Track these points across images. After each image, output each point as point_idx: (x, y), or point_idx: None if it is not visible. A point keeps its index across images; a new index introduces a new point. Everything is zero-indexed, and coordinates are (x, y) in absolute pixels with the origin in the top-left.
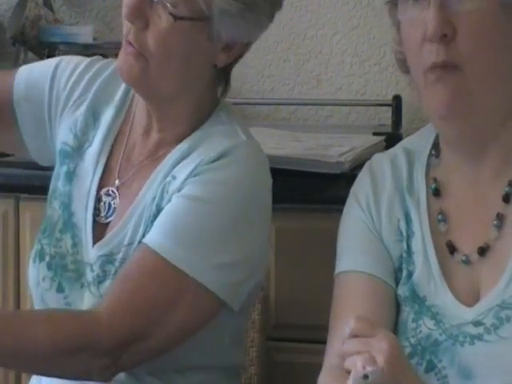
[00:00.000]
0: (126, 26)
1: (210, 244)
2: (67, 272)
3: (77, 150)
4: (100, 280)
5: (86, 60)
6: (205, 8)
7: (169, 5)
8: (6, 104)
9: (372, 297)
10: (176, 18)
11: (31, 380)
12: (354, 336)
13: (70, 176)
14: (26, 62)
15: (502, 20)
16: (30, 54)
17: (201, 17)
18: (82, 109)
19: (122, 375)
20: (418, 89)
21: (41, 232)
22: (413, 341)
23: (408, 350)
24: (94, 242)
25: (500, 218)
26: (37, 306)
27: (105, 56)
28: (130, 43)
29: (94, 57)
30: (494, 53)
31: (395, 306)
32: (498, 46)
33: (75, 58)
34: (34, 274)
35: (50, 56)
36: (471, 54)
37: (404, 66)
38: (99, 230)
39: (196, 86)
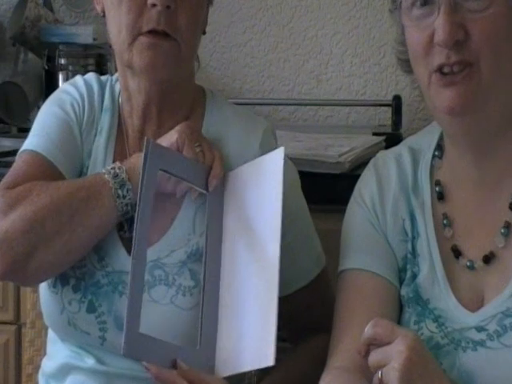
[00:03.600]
0: (149, 17)
1: None
2: (101, 288)
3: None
4: (150, 285)
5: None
6: None
7: None
8: None
9: (376, 295)
10: None
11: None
12: (373, 340)
13: None
14: (25, 62)
15: None
16: (30, 54)
17: None
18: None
19: None
20: (422, 87)
21: None
22: None
23: None
24: (128, 250)
25: (508, 226)
26: (59, 333)
27: (104, 56)
28: (157, 31)
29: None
30: (506, 51)
31: (399, 306)
32: (510, 44)
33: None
34: (55, 300)
35: (49, 56)
36: (484, 52)
37: (406, 66)
38: (127, 240)
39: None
